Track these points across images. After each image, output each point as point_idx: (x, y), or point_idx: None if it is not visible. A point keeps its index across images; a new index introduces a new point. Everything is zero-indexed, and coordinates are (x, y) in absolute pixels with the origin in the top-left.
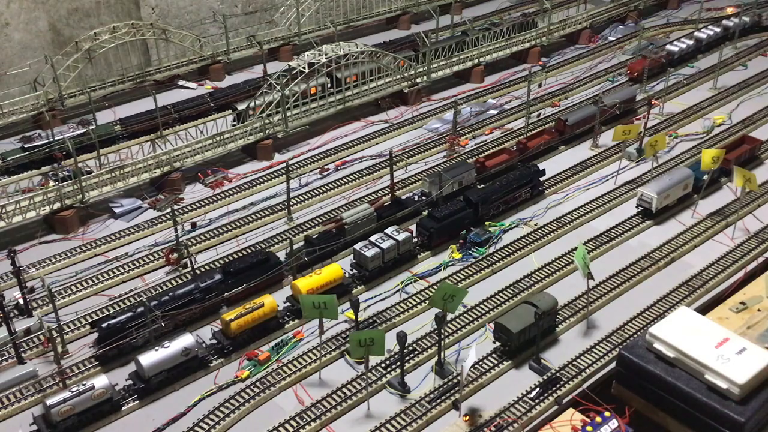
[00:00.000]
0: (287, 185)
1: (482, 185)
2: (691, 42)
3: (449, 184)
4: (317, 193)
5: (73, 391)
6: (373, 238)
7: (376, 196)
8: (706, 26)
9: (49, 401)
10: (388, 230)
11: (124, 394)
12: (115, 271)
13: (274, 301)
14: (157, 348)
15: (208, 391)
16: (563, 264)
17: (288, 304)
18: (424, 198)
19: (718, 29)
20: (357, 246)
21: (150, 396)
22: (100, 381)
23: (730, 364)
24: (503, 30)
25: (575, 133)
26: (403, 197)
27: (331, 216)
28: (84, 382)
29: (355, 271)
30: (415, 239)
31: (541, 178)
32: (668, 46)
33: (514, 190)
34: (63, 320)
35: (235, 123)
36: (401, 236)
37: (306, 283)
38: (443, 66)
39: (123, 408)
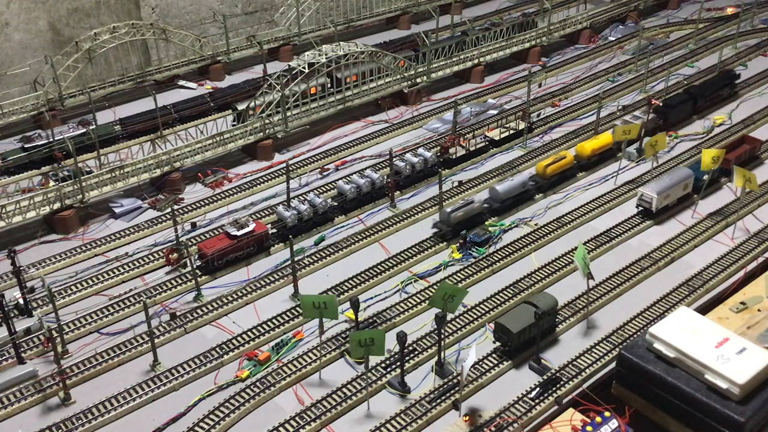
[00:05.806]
0: (287, 185)
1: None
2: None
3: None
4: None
5: (462, 202)
6: None
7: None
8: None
9: (449, 209)
10: None
11: (488, 208)
12: (115, 271)
13: (571, 155)
14: (508, 179)
15: (208, 391)
16: (563, 264)
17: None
18: None
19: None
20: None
21: (504, 213)
22: (479, 197)
23: (730, 364)
24: (503, 30)
25: None
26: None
27: None
28: (465, 198)
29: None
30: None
31: (736, 81)
32: (280, 208)
33: (719, 89)
34: (63, 320)
35: (235, 123)
36: None
37: (590, 145)
38: (443, 66)
39: (488, 221)
